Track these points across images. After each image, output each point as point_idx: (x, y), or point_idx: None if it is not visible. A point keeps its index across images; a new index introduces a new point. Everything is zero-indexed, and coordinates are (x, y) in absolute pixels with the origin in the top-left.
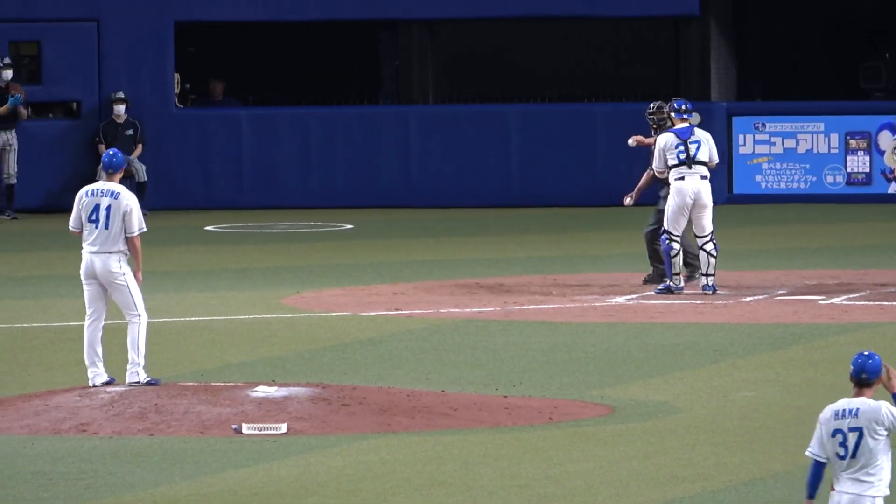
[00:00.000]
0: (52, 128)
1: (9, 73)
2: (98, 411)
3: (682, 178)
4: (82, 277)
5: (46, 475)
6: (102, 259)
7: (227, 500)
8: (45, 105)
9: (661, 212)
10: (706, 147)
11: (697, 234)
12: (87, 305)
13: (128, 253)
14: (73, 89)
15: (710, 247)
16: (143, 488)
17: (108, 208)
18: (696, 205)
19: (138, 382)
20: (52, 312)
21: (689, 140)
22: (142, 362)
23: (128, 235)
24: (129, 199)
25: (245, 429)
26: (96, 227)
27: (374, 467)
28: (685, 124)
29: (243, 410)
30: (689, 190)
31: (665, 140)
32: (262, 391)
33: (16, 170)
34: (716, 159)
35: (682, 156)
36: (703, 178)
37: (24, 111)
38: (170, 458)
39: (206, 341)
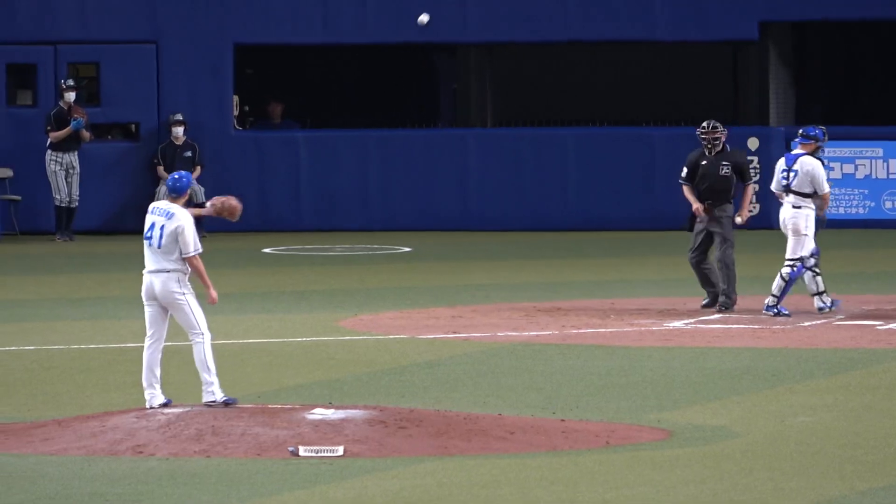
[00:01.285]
0: (111, 150)
1: (72, 95)
2: (155, 433)
3: (782, 205)
4: (143, 299)
5: (103, 496)
6: (162, 279)
7: None
8: (103, 127)
9: (696, 235)
10: (803, 178)
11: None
12: (147, 327)
13: (187, 272)
14: (132, 111)
15: (785, 270)
16: None
17: (162, 227)
18: (790, 231)
19: (215, 402)
20: (109, 334)
21: (791, 167)
22: (215, 381)
23: (183, 256)
24: (182, 220)
25: (302, 451)
26: (150, 245)
27: (431, 490)
28: (801, 150)
29: (300, 433)
30: (782, 217)
31: (779, 162)
32: (319, 413)
33: (78, 194)
34: (821, 190)
35: (784, 182)
36: (796, 207)
37: (87, 134)
38: (226, 479)
39: (263, 363)
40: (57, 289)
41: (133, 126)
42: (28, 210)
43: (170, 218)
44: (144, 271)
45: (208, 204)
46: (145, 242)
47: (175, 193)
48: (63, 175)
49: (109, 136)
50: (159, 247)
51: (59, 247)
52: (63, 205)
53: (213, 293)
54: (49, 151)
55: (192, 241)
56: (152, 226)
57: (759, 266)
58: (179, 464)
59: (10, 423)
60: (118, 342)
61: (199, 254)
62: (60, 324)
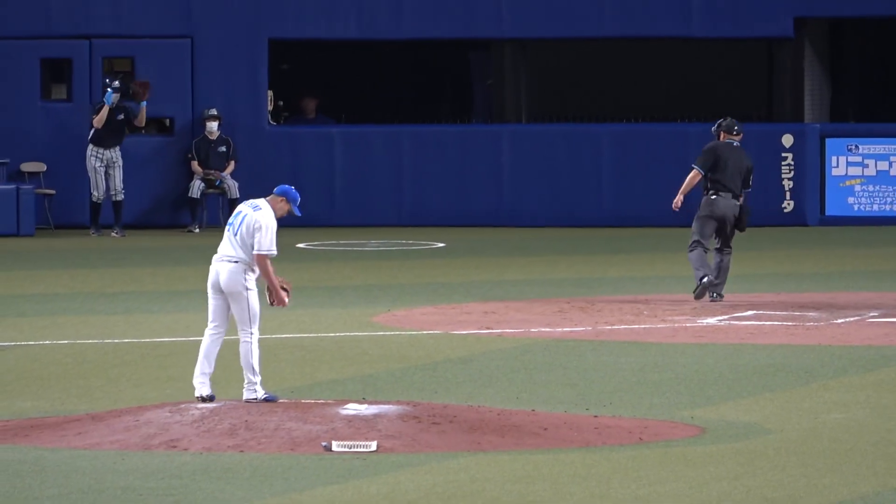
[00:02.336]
0: (145, 144)
1: (116, 97)
2: (188, 427)
3: None
4: (209, 289)
5: (136, 491)
6: (229, 268)
7: None
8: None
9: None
10: None
11: None
12: (209, 318)
13: (255, 268)
14: (167, 106)
15: None
16: None
17: (244, 217)
18: None
19: (256, 399)
20: (143, 328)
21: None
22: (257, 379)
23: (255, 252)
24: (265, 216)
25: (335, 446)
26: (229, 232)
27: (464, 486)
28: None
29: (333, 428)
30: None
31: None
32: (353, 409)
33: (122, 187)
34: None
35: None
36: None
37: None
38: (259, 474)
39: (296, 358)
40: (90, 283)
41: (167, 121)
42: (62, 204)
43: (256, 210)
44: (213, 259)
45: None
46: (227, 229)
47: (279, 193)
48: (103, 171)
49: (143, 131)
50: (235, 234)
51: (93, 241)
52: (99, 201)
53: (281, 294)
54: (90, 146)
55: (267, 240)
56: (237, 213)
57: (792, 263)
58: (213, 458)
59: (44, 418)
60: (152, 336)
61: (272, 256)
62: (94, 318)
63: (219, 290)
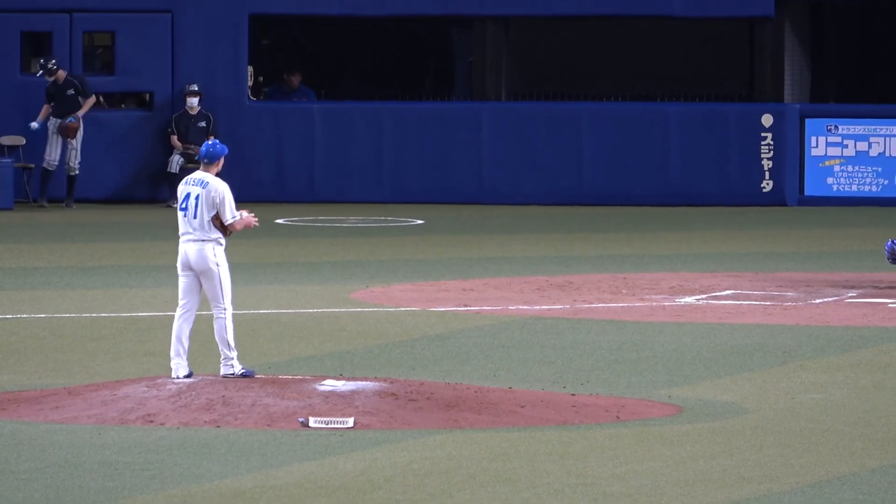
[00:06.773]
0: (125, 119)
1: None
2: (165, 402)
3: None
4: (178, 268)
5: (113, 465)
6: (197, 248)
7: (293, 493)
8: (117, 96)
9: None
10: None
11: None
12: (180, 297)
13: (222, 243)
14: (147, 80)
15: None
16: (210, 480)
17: (197, 197)
18: None
19: (233, 374)
20: (120, 302)
21: None
22: (234, 355)
23: (225, 224)
24: (218, 189)
25: (312, 422)
26: (185, 216)
27: (441, 463)
28: None
29: (310, 404)
30: None
31: None
32: (330, 385)
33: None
34: None
35: None
36: None
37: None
38: (236, 450)
39: (274, 334)
40: (69, 257)
41: (147, 95)
42: (41, 178)
43: (204, 187)
44: (180, 241)
45: (235, 222)
46: (180, 213)
47: (207, 160)
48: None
49: (123, 105)
50: (195, 217)
51: (72, 215)
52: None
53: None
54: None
55: (229, 210)
56: (187, 196)
57: (770, 243)
58: (190, 434)
59: (21, 391)
60: (129, 311)
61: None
62: (72, 292)
63: (188, 268)
